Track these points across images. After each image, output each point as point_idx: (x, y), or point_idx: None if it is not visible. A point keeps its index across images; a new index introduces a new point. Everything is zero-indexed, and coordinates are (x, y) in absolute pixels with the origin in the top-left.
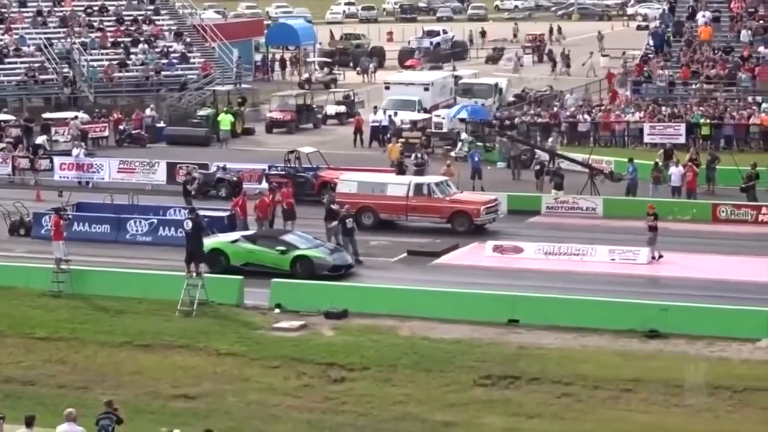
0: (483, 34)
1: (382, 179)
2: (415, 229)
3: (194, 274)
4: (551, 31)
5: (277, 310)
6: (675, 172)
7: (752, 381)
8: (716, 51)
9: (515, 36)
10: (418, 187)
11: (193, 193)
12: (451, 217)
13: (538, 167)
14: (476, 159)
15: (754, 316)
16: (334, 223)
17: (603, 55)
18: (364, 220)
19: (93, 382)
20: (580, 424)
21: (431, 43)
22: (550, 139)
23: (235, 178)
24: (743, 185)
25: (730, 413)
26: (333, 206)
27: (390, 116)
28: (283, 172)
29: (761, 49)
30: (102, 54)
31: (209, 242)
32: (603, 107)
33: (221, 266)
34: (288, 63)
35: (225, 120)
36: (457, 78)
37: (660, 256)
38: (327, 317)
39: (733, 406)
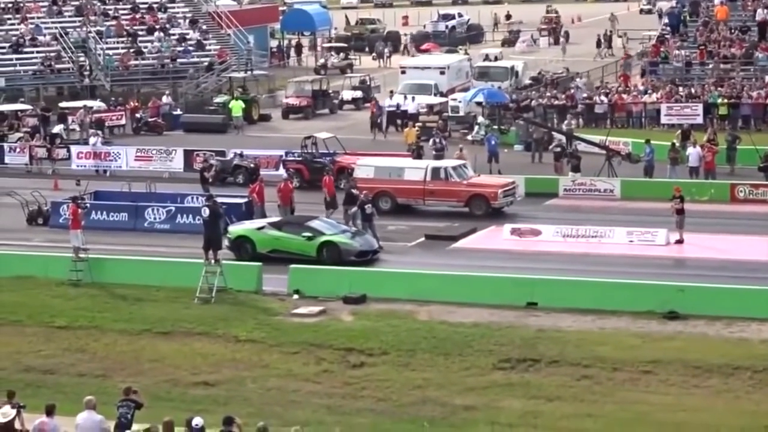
0: (508, 17)
1: (399, 164)
2: (433, 214)
3: (212, 261)
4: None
5: (295, 296)
6: (693, 152)
7: None
8: (733, 30)
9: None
10: (436, 171)
11: (210, 180)
12: (469, 200)
13: (558, 149)
14: (492, 142)
15: None
16: (354, 208)
17: (618, 36)
18: (381, 205)
19: (112, 370)
20: (600, 407)
21: (447, 26)
22: (565, 122)
23: (252, 165)
24: (762, 165)
25: (749, 393)
26: (353, 191)
27: (404, 100)
28: (300, 158)
29: None
30: (118, 42)
31: (235, 229)
32: (620, 88)
33: (247, 253)
34: (307, 48)
35: (236, 106)
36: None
37: (680, 241)
38: (345, 302)
39: (753, 386)
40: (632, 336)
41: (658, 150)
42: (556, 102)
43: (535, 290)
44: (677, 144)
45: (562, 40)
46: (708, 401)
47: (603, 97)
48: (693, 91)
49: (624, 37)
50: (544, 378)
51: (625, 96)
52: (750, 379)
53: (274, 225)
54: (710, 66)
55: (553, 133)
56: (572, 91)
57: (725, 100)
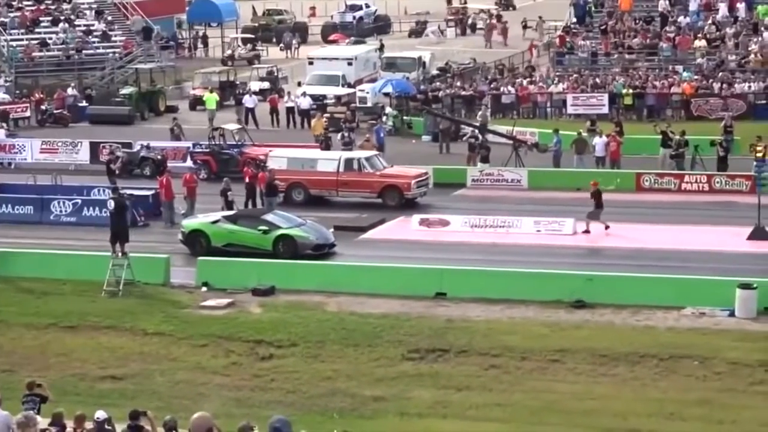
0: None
1: (312, 155)
2: (345, 204)
3: (119, 254)
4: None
5: (204, 289)
6: (599, 142)
7: (677, 349)
8: (637, 21)
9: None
10: (349, 162)
11: (116, 172)
12: (382, 191)
13: (472, 140)
14: (381, 135)
15: (679, 284)
16: (275, 198)
17: (524, 27)
18: (294, 196)
19: (19, 365)
20: (509, 396)
21: (354, 17)
22: (479, 113)
23: (159, 157)
24: (673, 153)
25: (656, 381)
26: (275, 182)
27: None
28: (207, 150)
29: (681, 18)
30: (22, 34)
31: (189, 223)
32: (526, 78)
33: (202, 247)
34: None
35: (210, 99)
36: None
37: (586, 231)
38: (254, 294)
39: (659, 374)
40: (540, 325)
41: (565, 140)
42: (464, 93)
43: (443, 280)
44: (584, 134)
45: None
46: (615, 389)
47: (510, 88)
48: (598, 81)
49: (530, 28)
50: (453, 368)
51: (531, 86)
52: (656, 366)
53: (229, 218)
54: (615, 56)
55: (461, 125)
56: (477, 84)
57: (630, 91)
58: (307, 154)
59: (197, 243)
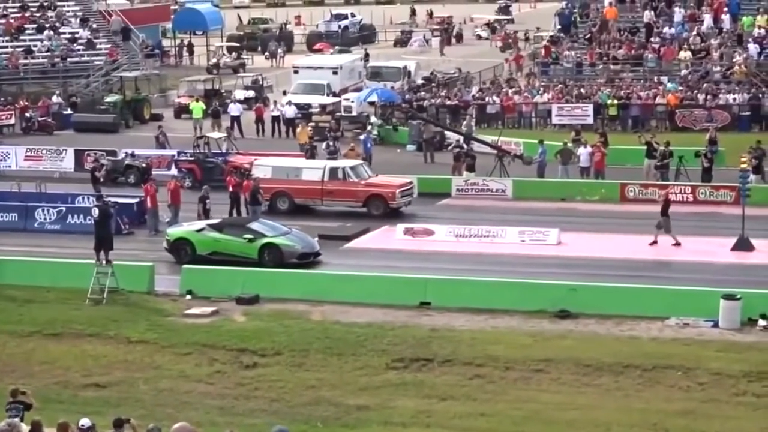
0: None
1: (297, 164)
2: (329, 214)
3: (104, 261)
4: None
5: (188, 297)
6: (583, 153)
7: (661, 359)
8: (622, 32)
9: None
10: (333, 171)
11: (101, 180)
12: (367, 200)
13: (457, 150)
14: (368, 145)
15: (663, 295)
16: (260, 207)
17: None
18: (279, 205)
19: (2, 372)
20: (492, 405)
21: (339, 26)
22: (465, 122)
23: (143, 165)
24: (658, 163)
25: (639, 391)
26: (259, 191)
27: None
28: (192, 158)
29: (666, 29)
30: (6, 41)
31: (174, 231)
32: (512, 89)
33: (187, 255)
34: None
35: (197, 108)
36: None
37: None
38: (238, 303)
39: (643, 384)
40: (524, 335)
41: (550, 150)
42: (449, 102)
43: (428, 290)
44: (569, 144)
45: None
46: (599, 399)
47: (495, 98)
48: (583, 91)
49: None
50: (437, 377)
51: (516, 97)
52: (640, 377)
53: (215, 227)
54: (600, 67)
55: (449, 133)
56: (461, 94)
57: (615, 101)
58: (291, 163)
59: (182, 251)
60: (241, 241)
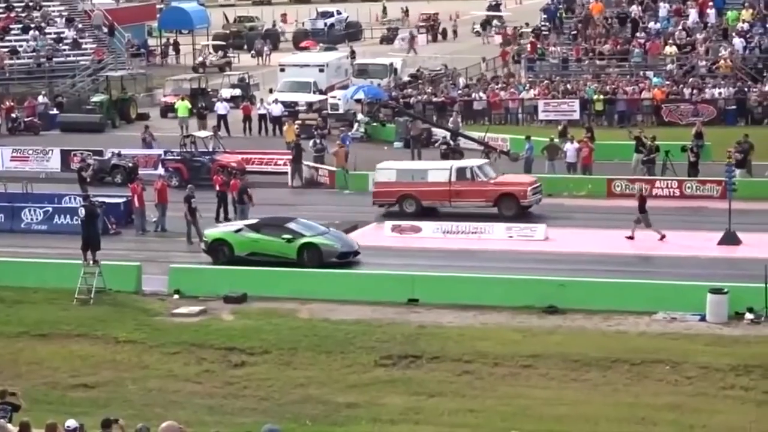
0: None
1: (422, 166)
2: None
3: (91, 261)
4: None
5: (176, 296)
6: (570, 148)
7: (649, 353)
8: (610, 25)
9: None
10: (461, 172)
11: (88, 180)
12: (498, 200)
13: (444, 147)
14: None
15: (650, 289)
16: (247, 205)
17: (498, 33)
18: (406, 208)
19: None
20: (481, 402)
21: (325, 24)
22: (451, 119)
23: (130, 164)
24: (644, 158)
25: (627, 386)
26: (248, 190)
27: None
28: (179, 157)
29: (651, 24)
30: None
31: (211, 232)
32: (498, 85)
33: (225, 256)
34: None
35: (182, 107)
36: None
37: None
38: (226, 302)
39: (631, 378)
40: (512, 331)
41: (537, 146)
42: (435, 99)
43: (416, 286)
44: (556, 140)
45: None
46: (587, 394)
47: (481, 94)
48: (569, 87)
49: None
50: (426, 374)
51: (502, 93)
52: (628, 372)
53: (252, 227)
54: (586, 62)
55: (437, 130)
56: (447, 90)
57: (601, 96)
58: (416, 165)
59: (220, 252)
60: (280, 242)
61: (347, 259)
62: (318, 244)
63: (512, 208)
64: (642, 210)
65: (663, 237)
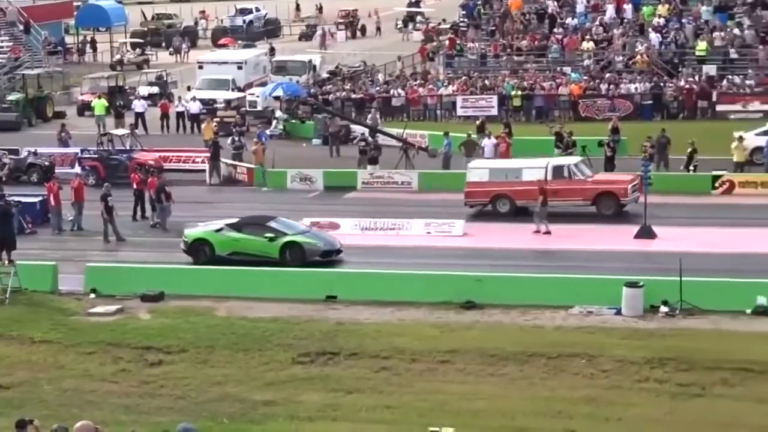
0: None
1: (517, 164)
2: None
3: (6, 261)
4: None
5: (92, 295)
6: (488, 144)
7: (565, 347)
8: (528, 21)
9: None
10: (558, 170)
11: (3, 179)
12: (596, 198)
13: (363, 144)
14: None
15: (567, 284)
16: (168, 205)
17: (416, 29)
18: (499, 208)
19: None
20: (399, 398)
21: (244, 21)
22: (370, 115)
23: (47, 163)
24: (563, 153)
25: (544, 380)
26: (166, 188)
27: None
28: (96, 156)
29: (569, 20)
30: None
31: (192, 232)
32: (417, 81)
33: (206, 256)
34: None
35: (99, 105)
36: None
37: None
38: (143, 300)
39: (547, 372)
40: (430, 326)
41: (456, 142)
42: (354, 96)
43: (334, 283)
44: (473, 135)
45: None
46: (504, 389)
47: (400, 90)
48: (488, 83)
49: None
50: (343, 371)
51: (420, 89)
52: (544, 365)
53: (234, 226)
54: (504, 58)
55: (356, 127)
56: (366, 87)
57: (519, 92)
58: (510, 164)
59: (201, 252)
60: (262, 241)
61: (330, 257)
62: (301, 242)
63: (612, 206)
64: (544, 203)
65: (541, 232)
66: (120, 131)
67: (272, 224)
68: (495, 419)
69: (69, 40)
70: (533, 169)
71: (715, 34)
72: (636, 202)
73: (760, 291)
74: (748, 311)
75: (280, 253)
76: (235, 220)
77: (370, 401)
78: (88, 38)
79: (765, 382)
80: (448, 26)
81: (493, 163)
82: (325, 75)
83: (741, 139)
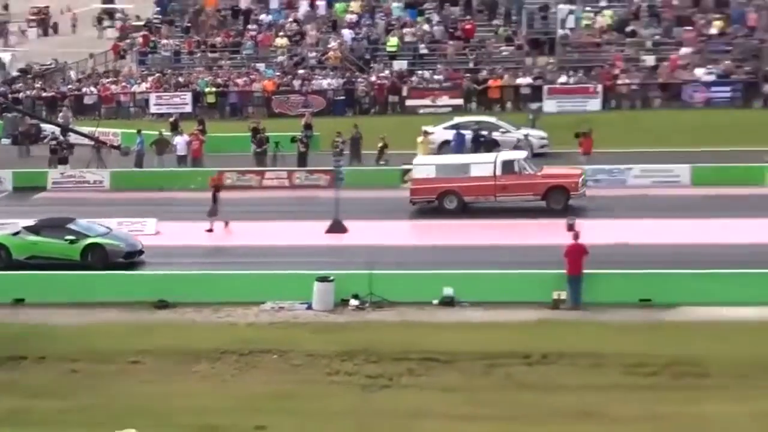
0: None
1: (464, 160)
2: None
3: None
4: None
5: None
6: (180, 141)
7: (257, 344)
8: (223, 17)
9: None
10: (507, 165)
11: None
12: (546, 193)
13: (54, 143)
14: None
15: (259, 280)
16: None
17: (112, 26)
18: (446, 205)
19: None
20: (90, 400)
21: None
22: (61, 114)
23: None
24: (257, 150)
25: (235, 376)
26: None
27: None
28: None
29: (263, 16)
30: None
31: None
32: (109, 78)
33: (2, 261)
34: None
35: None
36: None
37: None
38: None
39: (239, 369)
40: (122, 327)
41: (149, 140)
42: (45, 94)
43: (22, 286)
44: (166, 133)
45: None
46: (197, 386)
47: (92, 88)
48: (182, 80)
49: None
50: (32, 375)
51: (113, 87)
52: (236, 362)
53: (31, 229)
54: (198, 55)
55: (47, 126)
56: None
57: (213, 89)
58: (457, 160)
59: None
60: (62, 243)
61: (133, 258)
62: (103, 244)
63: (561, 201)
64: (215, 200)
65: (211, 230)
66: None
67: (72, 226)
68: (187, 418)
69: None
70: (481, 164)
71: (406, 30)
72: (584, 196)
73: (447, 282)
74: (435, 302)
75: (82, 255)
76: (32, 223)
77: (61, 405)
78: None
79: (449, 371)
80: (143, 23)
81: (440, 159)
82: (15, 73)
83: (426, 133)
